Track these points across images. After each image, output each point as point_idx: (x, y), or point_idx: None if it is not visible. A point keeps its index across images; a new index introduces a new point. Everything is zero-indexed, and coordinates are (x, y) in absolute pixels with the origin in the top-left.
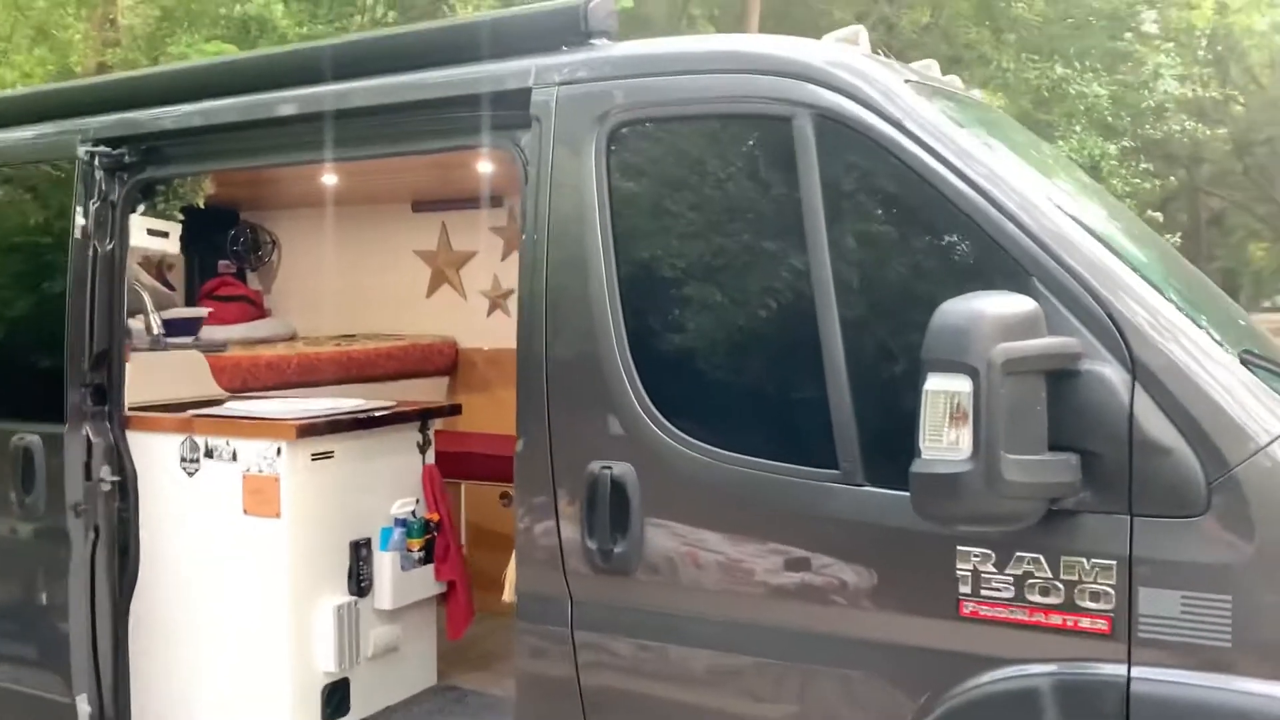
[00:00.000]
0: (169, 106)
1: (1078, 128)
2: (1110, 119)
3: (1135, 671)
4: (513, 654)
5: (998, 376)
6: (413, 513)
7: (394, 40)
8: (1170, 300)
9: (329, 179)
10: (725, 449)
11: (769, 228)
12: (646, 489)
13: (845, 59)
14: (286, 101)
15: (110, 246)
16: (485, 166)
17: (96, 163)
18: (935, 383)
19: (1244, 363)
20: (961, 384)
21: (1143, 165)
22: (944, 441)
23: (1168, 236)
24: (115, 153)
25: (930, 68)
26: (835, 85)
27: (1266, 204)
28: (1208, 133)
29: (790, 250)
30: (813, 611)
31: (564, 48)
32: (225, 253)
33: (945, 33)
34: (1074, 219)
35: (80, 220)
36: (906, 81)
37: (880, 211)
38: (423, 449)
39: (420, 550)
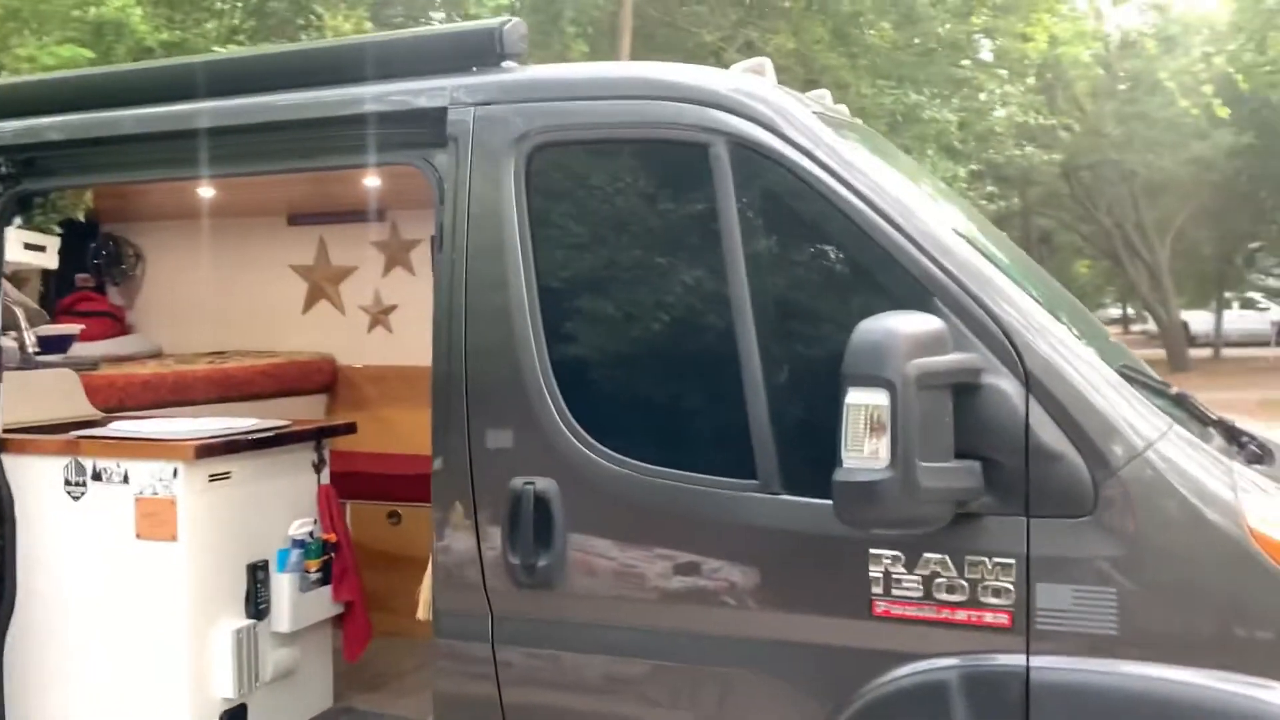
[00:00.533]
0: (54, 116)
1: (930, 151)
2: (958, 144)
3: (1034, 661)
4: (410, 673)
5: (912, 390)
6: (310, 533)
7: (301, 56)
8: (1057, 318)
9: (201, 191)
10: (647, 462)
11: (686, 249)
12: (569, 503)
13: (759, 90)
14: (188, 115)
15: None
16: (369, 181)
17: None
18: (855, 396)
19: (1123, 376)
20: (879, 397)
21: (989, 188)
22: (864, 451)
23: None
24: None
25: (823, 97)
26: (750, 115)
27: (1090, 224)
28: (1044, 157)
29: (707, 271)
30: (735, 616)
31: (474, 69)
32: (84, 266)
33: (803, 58)
34: (968, 242)
35: None
36: (815, 113)
37: (793, 235)
38: (318, 468)
39: (318, 571)
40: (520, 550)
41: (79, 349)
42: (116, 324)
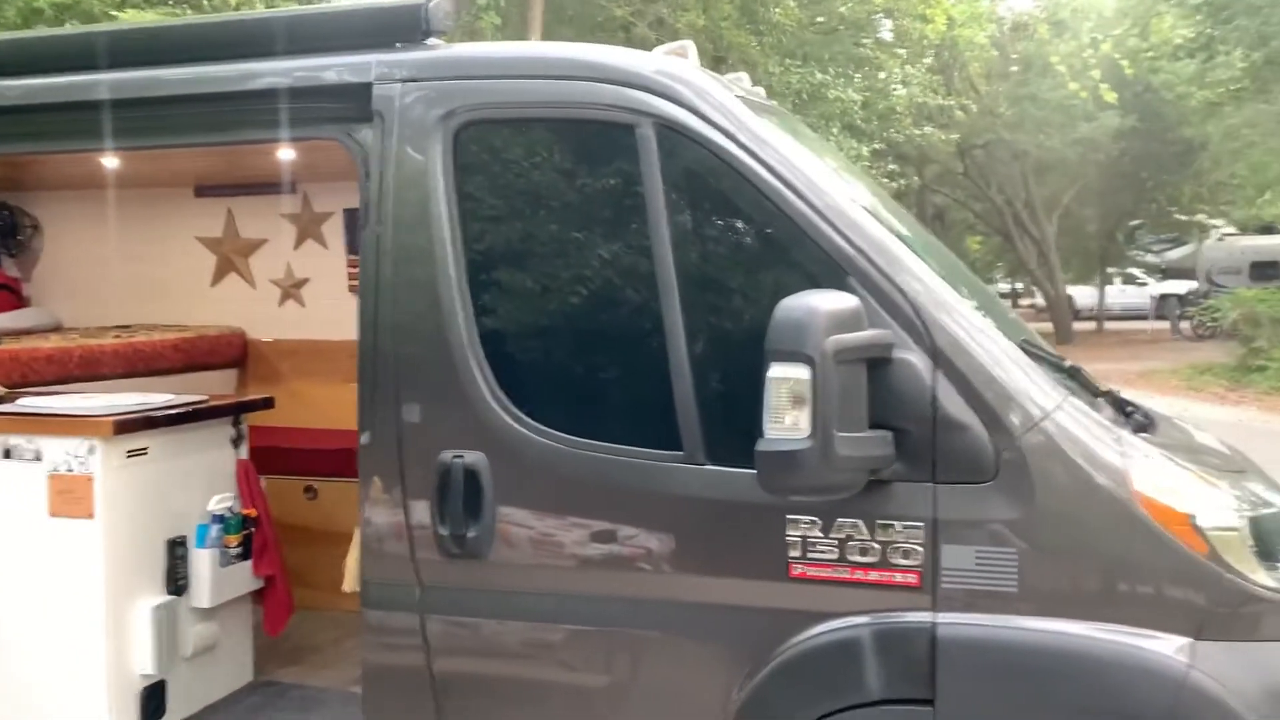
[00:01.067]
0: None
1: (835, 130)
2: (861, 123)
3: (940, 618)
4: (330, 645)
5: (831, 365)
6: (229, 508)
7: (224, 27)
8: (962, 295)
9: (104, 160)
10: (575, 435)
11: (612, 227)
12: (498, 476)
13: (684, 73)
14: (107, 84)
15: None
16: (281, 153)
17: None
18: (777, 370)
19: (1023, 349)
20: (800, 371)
21: (890, 166)
22: (785, 423)
23: None
24: None
25: (741, 80)
26: (675, 97)
27: (982, 202)
28: (942, 137)
29: (633, 248)
30: (660, 581)
31: (398, 45)
32: None
33: (711, 35)
34: (878, 221)
35: None
36: (737, 96)
37: (716, 215)
38: (236, 443)
39: (238, 546)
40: (449, 522)
41: None
42: (12, 296)
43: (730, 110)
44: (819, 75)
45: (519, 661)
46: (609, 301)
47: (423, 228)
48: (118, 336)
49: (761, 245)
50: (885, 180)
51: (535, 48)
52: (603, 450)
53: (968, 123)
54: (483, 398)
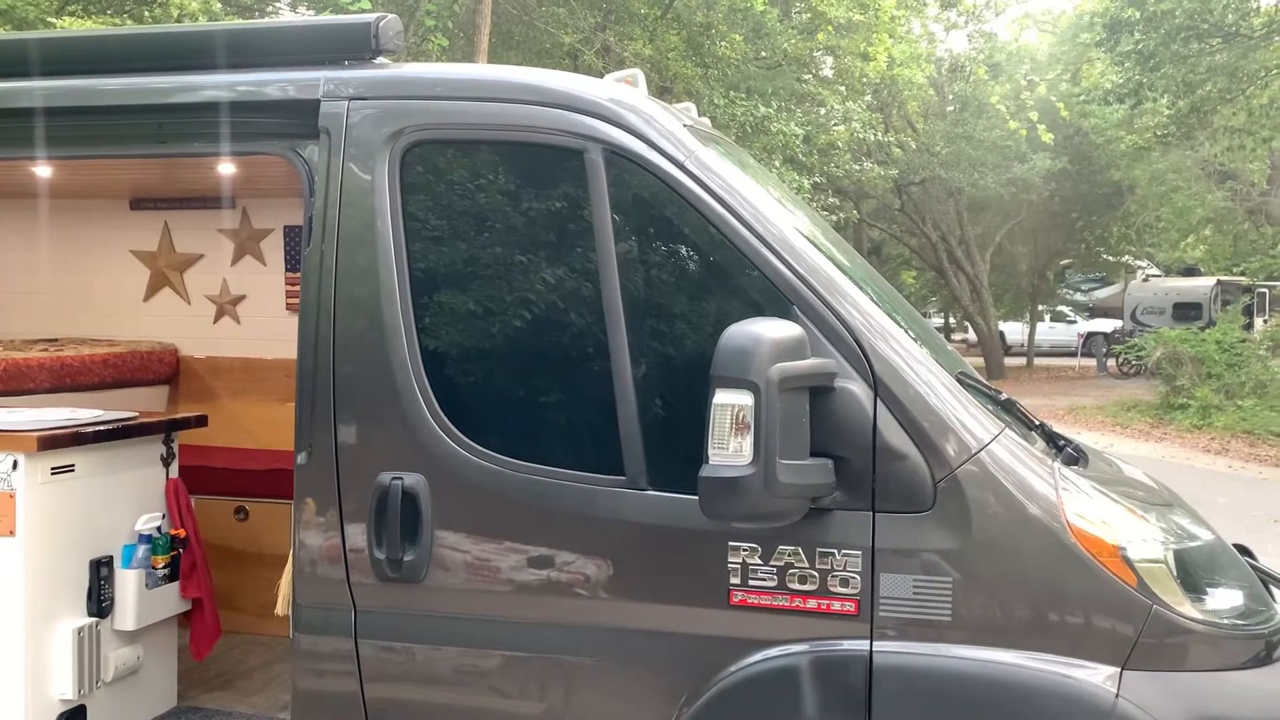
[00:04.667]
0: None
1: (777, 162)
2: (802, 156)
3: (877, 645)
4: (257, 670)
5: (775, 392)
6: (158, 528)
7: (170, 38)
8: (902, 327)
9: (36, 170)
10: (516, 458)
11: (558, 250)
12: (438, 498)
13: (633, 100)
14: (43, 92)
15: None
16: (221, 167)
17: None
18: (722, 397)
19: (960, 382)
20: (745, 399)
21: (830, 199)
22: (729, 449)
23: None
24: None
25: (688, 110)
26: (624, 124)
27: (918, 237)
28: (880, 173)
29: (578, 272)
30: (599, 607)
31: (347, 63)
32: None
33: (656, 65)
34: (822, 253)
35: None
36: (685, 125)
37: (662, 241)
38: (166, 462)
39: (165, 567)
40: (386, 544)
41: None
42: None
43: (678, 138)
44: (763, 109)
45: (453, 688)
46: (553, 324)
47: (367, 246)
48: (45, 350)
49: (706, 272)
50: (824, 213)
51: (486, 70)
52: (544, 474)
53: (905, 160)
54: (424, 419)
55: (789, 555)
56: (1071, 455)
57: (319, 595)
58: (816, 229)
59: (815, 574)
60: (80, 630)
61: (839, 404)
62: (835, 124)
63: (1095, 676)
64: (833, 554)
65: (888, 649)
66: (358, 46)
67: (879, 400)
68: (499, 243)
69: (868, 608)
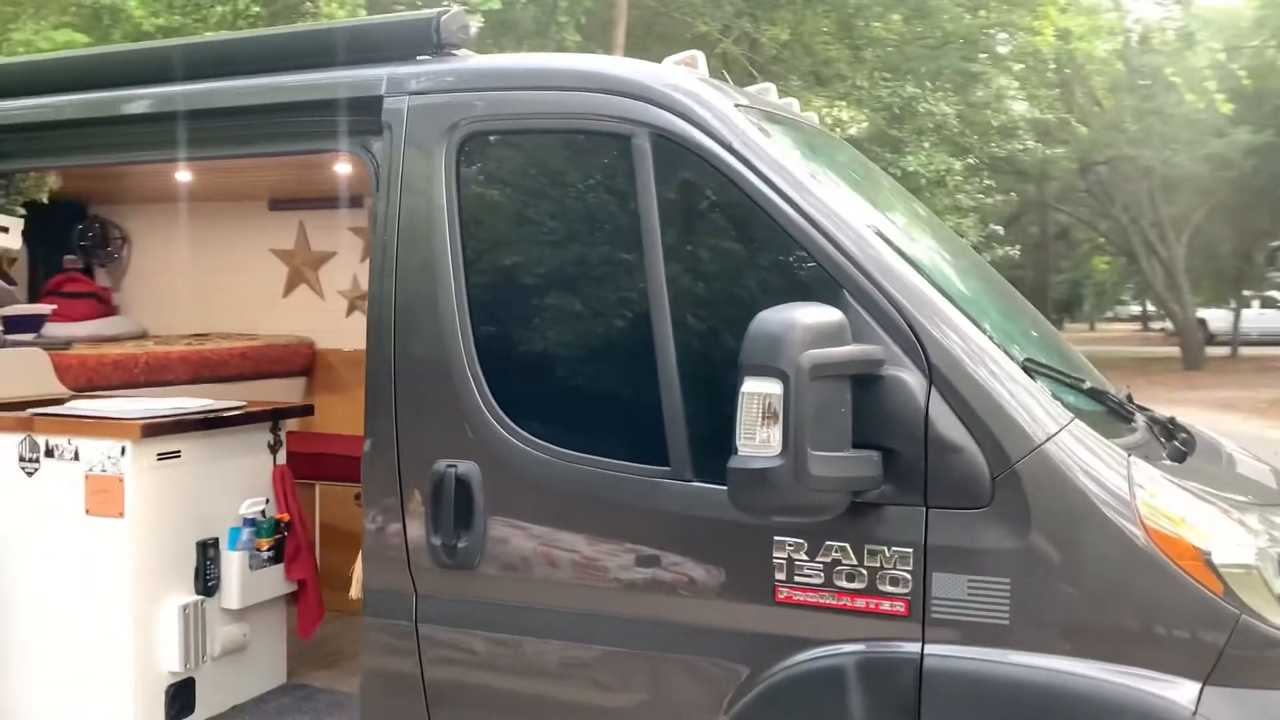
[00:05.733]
0: (11, 100)
1: (926, 144)
2: (960, 137)
3: (928, 649)
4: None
5: (805, 380)
6: (262, 512)
7: (250, 43)
8: (965, 313)
9: (183, 175)
10: (566, 448)
11: (609, 239)
12: (490, 487)
13: (682, 82)
14: (136, 99)
15: None
16: (343, 167)
17: None
18: (750, 385)
19: (1026, 370)
20: (773, 387)
21: (986, 181)
22: (756, 439)
23: (1006, 248)
24: None
25: (767, 91)
26: (672, 106)
27: (1108, 220)
28: (1046, 151)
29: (627, 261)
30: (644, 600)
31: (419, 58)
32: (72, 247)
33: (807, 48)
34: (884, 237)
35: None
36: (737, 105)
37: (709, 227)
38: (274, 449)
39: (270, 550)
40: (442, 531)
41: (64, 329)
42: (102, 305)
43: (727, 119)
44: (910, 89)
45: (504, 674)
46: (602, 314)
47: (425, 238)
48: (189, 344)
49: (754, 257)
50: (980, 196)
51: (538, 59)
52: (592, 463)
53: (1089, 138)
54: (477, 407)
55: (836, 551)
56: (1177, 450)
57: (384, 580)
58: (897, 215)
59: (864, 571)
60: (186, 607)
61: (888, 393)
62: (989, 103)
63: (1170, 691)
64: (882, 551)
65: (940, 652)
66: (421, 42)
67: (933, 389)
68: (550, 233)
69: (919, 608)
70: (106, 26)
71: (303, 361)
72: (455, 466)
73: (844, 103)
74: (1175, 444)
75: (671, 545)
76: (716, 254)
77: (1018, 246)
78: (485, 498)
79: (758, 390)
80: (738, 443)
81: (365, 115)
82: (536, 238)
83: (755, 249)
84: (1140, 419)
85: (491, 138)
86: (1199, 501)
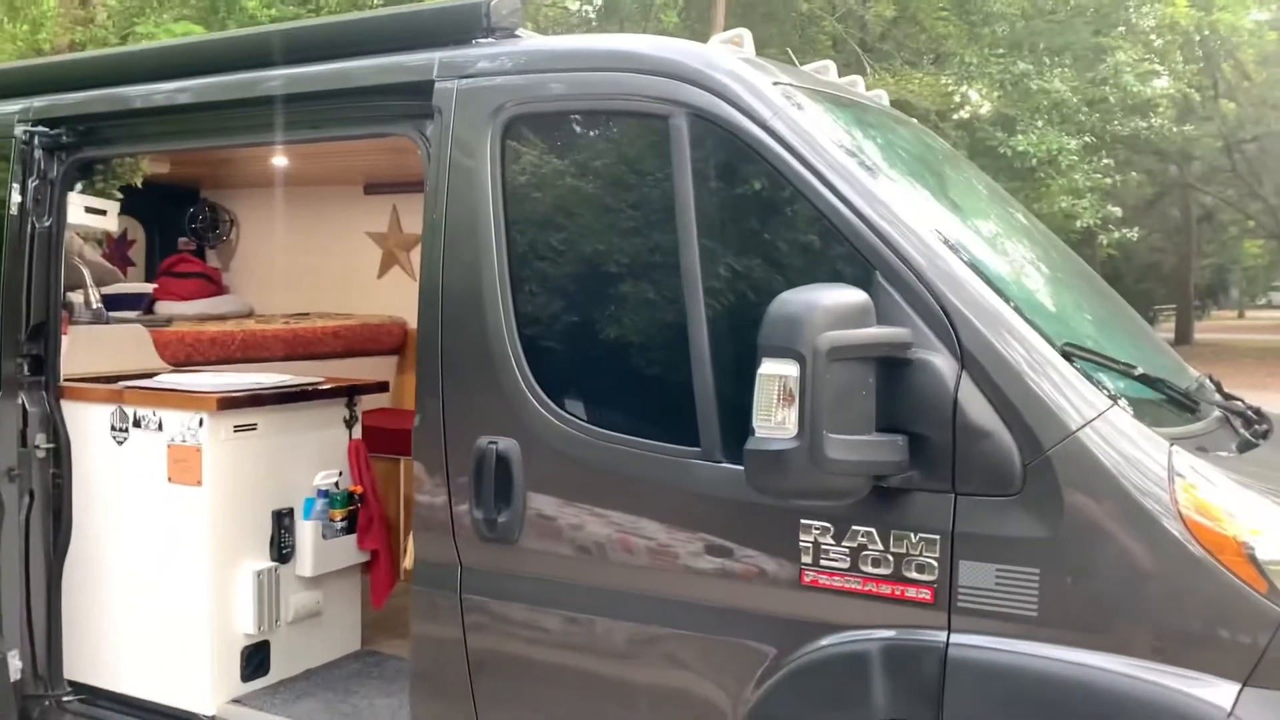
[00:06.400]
0: (104, 89)
1: (1039, 122)
2: (1082, 115)
3: (953, 638)
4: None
5: (823, 362)
6: (335, 484)
7: (312, 30)
8: (1003, 296)
9: (281, 160)
10: (601, 427)
11: (646, 220)
12: (529, 463)
13: (719, 60)
14: (207, 88)
15: (48, 223)
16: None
17: (35, 142)
18: (768, 367)
19: (1066, 356)
20: (790, 368)
21: (1105, 160)
22: (773, 421)
23: (1125, 231)
24: (53, 132)
25: (825, 70)
26: (708, 85)
27: (1258, 201)
28: (1174, 129)
29: (663, 242)
30: (674, 579)
31: (472, 42)
32: (184, 230)
33: (920, 25)
34: (924, 218)
35: (17, 198)
36: (775, 83)
37: (744, 207)
38: (349, 424)
39: (343, 520)
40: (483, 505)
41: (176, 307)
42: (212, 285)
43: (765, 96)
44: (1021, 65)
45: (540, 646)
46: (638, 294)
47: (471, 220)
48: (287, 323)
49: (789, 240)
50: (1098, 176)
51: (580, 40)
52: (626, 443)
53: (1236, 114)
54: (517, 385)
55: (862, 536)
56: (1248, 440)
57: (432, 551)
58: (954, 197)
59: (890, 557)
60: (261, 573)
61: (917, 377)
62: (1105, 80)
63: (1205, 691)
64: (908, 537)
65: (965, 641)
66: (473, 26)
67: (964, 373)
68: (589, 215)
69: (945, 596)
70: (223, 18)
71: (394, 341)
72: (496, 443)
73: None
74: (1247, 435)
75: (701, 525)
76: (749, 234)
77: (1136, 229)
78: (524, 474)
79: (775, 372)
80: (755, 424)
81: (419, 99)
82: (576, 220)
83: (788, 229)
84: (1212, 410)
85: (535, 120)
86: (1250, 493)
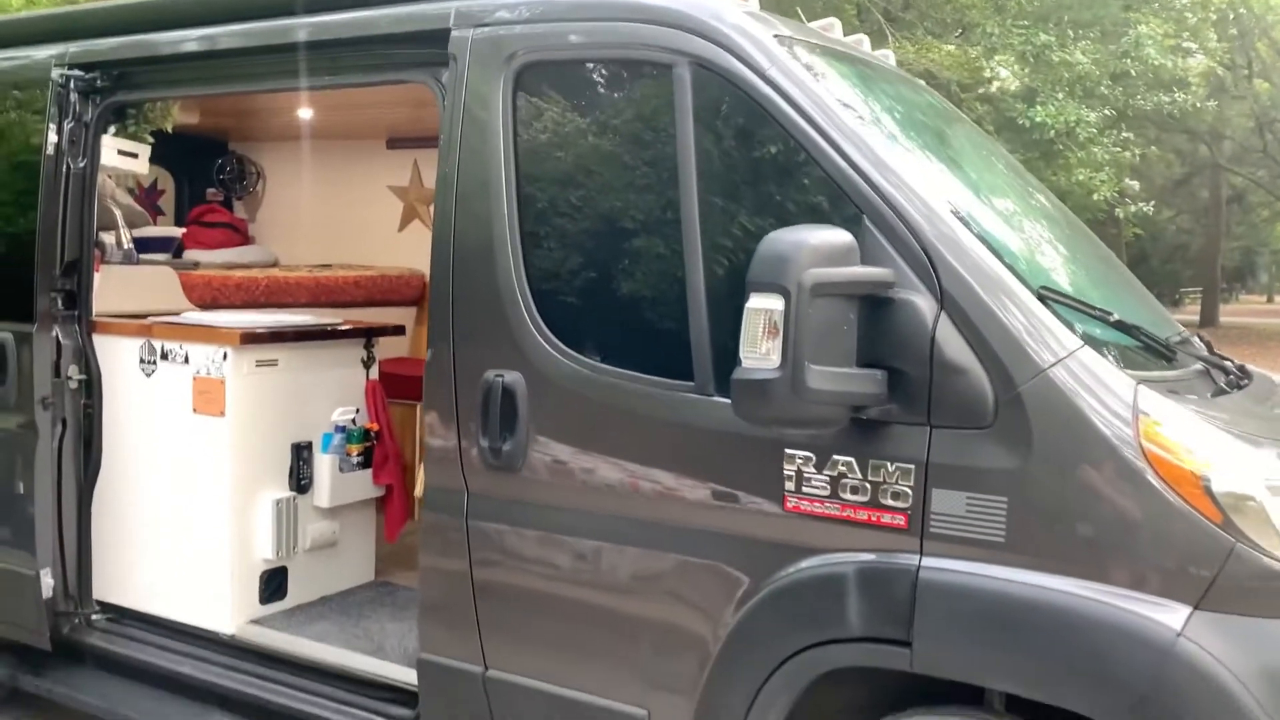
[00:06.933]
0: (137, 35)
1: (1060, 94)
2: (1104, 88)
3: (925, 561)
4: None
5: (806, 298)
6: (353, 421)
7: None
8: (984, 241)
9: (306, 113)
10: (602, 362)
11: (650, 166)
12: (533, 395)
13: (724, 13)
14: (234, 35)
15: (82, 164)
16: None
17: (71, 85)
18: (755, 301)
19: (1041, 299)
20: (776, 303)
21: (1124, 134)
22: (759, 352)
23: (1142, 205)
24: (88, 76)
25: (831, 27)
26: (710, 35)
27: None
28: (1196, 105)
29: (665, 187)
30: (667, 506)
31: None
32: (213, 181)
33: None
34: (916, 168)
35: (53, 139)
36: (776, 35)
37: (740, 153)
38: (367, 365)
39: (359, 456)
40: (489, 434)
41: (203, 256)
42: (238, 235)
43: (765, 47)
44: (1042, 36)
45: (541, 569)
46: (639, 236)
47: (482, 165)
48: (310, 272)
49: (783, 184)
50: (1117, 149)
51: None
52: (623, 377)
53: (1270, 94)
54: (523, 322)
55: (842, 465)
56: (1221, 389)
57: (440, 479)
58: (947, 150)
59: (868, 485)
60: (280, 502)
61: (898, 315)
62: (1126, 53)
63: (1159, 614)
64: (885, 466)
65: (935, 565)
66: None
67: (943, 313)
68: (595, 161)
69: (918, 522)
70: None
71: (413, 292)
72: (502, 376)
73: (997, 54)
74: (1222, 384)
75: (692, 455)
76: (746, 180)
77: (1153, 204)
78: (528, 406)
79: (762, 306)
80: (742, 355)
81: (435, 47)
82: (583, 165)
83: (783, 175)
84: (1192, 361)
85: (546, 68)
86: (1211, 430)
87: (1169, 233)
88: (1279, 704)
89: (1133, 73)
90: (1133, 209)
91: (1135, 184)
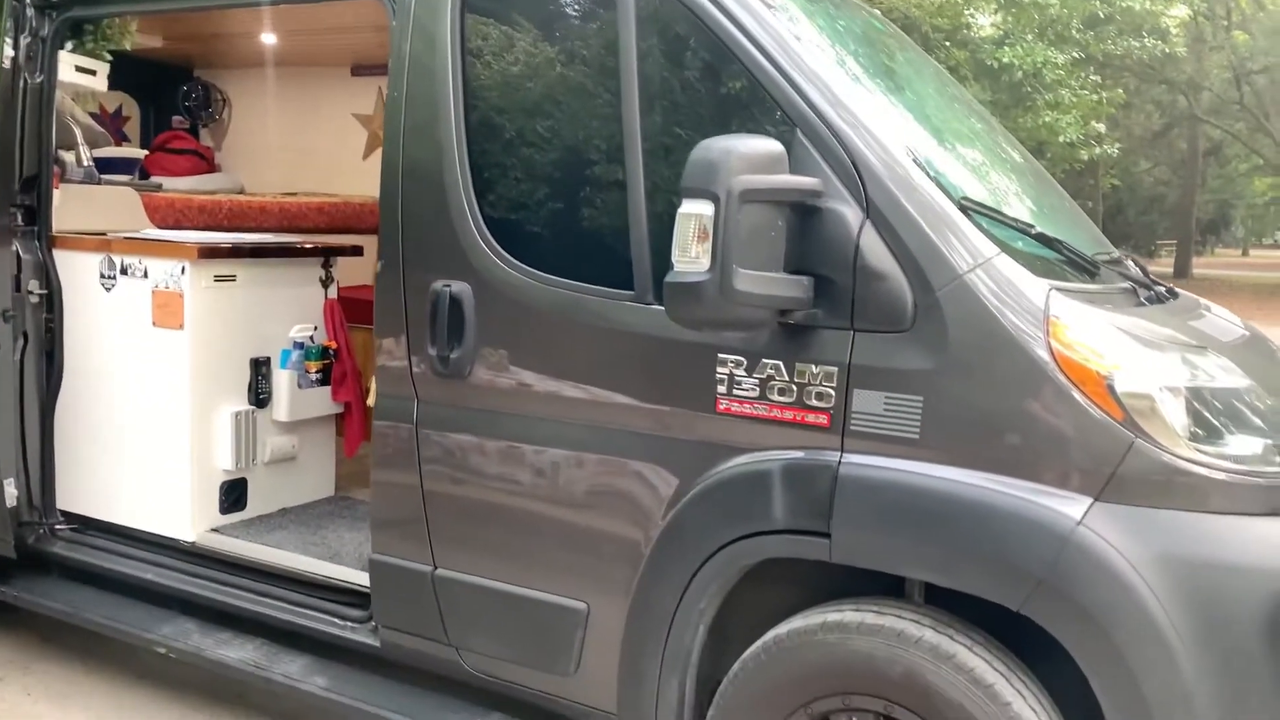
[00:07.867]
0: None
1: (1029, 36)
2: (1075, 32)
3: (845, 458)
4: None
5: (735, 204)
6: (311, 338)
7: None
8: (912, 156)
9: (270, 38)
10: (545, 270)
11: (588, 81)
12: (480, 304)
13: None
14: None
15: (39, 80)
16: None
17: (26, 0)
18: (687, 207)
19: (962, 210)
20: (706, 208)
21: (1092, 77)
22: (689, 256)
23: (1105, 147)
24: None
25: None
26: None
27: (1265, 137)
28: (1165, 50)
29: (604, 102)
30: (605, 411)
31: None
32: (179, 108)
33: None
34: (851, 85)
35: (10, 53)
36: None
37: (681, 69)
38: (325, 284)
39: (318, 373)
40: (438, 343)
41: (169, 183)
42: (204, 162)
43: None
44: None
45: (488, 471)
46: (580, 150)
47: (430, 80)
48: (274, 198)
49: (721, 99)
50: (1085, 92)
51: None
52: (566, 286)
53: (1247, 45)
54: (470, 233)
55: (770, 368)
56: (1140, 302)
57: (391, 387)
58: (892, 77)
59: (794, 387)
60: (239, 414)
61: (824, 223)
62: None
63: (1061, 505)
64: (810, 368)
65: (854, 460)
66: None
67: (868, 221)
68: (539, 77)
69: (840, 421)
70: None
71: (377, 220)
72: (450, 286)
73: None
74: (1142, 299)
75: (631, 361)
76: (684, 92)
77: (1118, 145)
78: (475, 315)
79: (693, 211)
80: (674, 259)
81: None
82: (527, 81)
83: (720, 88)
84: (1116, 278)
85: None
86: (1118, 334)
87: (1146, 184)
88: (1170, 587)
89: (1101, 15)
90: (1097, 151)
91: (1101, 126)
